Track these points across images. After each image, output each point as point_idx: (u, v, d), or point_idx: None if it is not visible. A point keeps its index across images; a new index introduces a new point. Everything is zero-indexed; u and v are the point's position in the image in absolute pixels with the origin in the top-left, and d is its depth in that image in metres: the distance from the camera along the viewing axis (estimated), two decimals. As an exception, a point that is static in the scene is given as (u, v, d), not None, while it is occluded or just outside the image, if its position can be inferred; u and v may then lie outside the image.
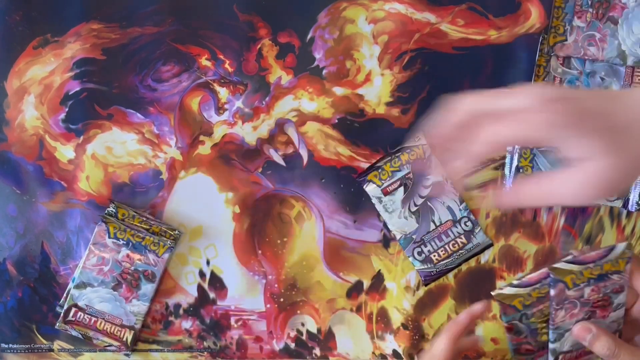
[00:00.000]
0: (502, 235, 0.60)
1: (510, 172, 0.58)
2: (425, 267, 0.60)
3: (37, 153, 0.60)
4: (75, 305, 0.60)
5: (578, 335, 0.51)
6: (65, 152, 0.60)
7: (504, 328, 0.51)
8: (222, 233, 0.61)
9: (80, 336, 0.60)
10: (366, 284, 0.61)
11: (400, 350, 0.62)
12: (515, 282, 0.51)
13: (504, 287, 0.51)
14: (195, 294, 0.62)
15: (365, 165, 0.60)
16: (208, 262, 0.61)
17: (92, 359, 0.62)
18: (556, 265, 0.56)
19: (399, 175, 0.59)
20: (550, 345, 0.55)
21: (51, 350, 0.62)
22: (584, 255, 0.54)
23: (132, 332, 0.60)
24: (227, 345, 0.62)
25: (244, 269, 0.61)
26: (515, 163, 0.58)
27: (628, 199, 0.58)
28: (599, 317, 0.55)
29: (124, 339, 0.60)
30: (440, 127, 0.39)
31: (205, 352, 0.62)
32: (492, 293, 0.50)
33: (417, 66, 0.59)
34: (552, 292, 0.55)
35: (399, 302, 0.61)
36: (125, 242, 0.59)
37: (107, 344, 0.61)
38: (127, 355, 0.62)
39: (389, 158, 0.59)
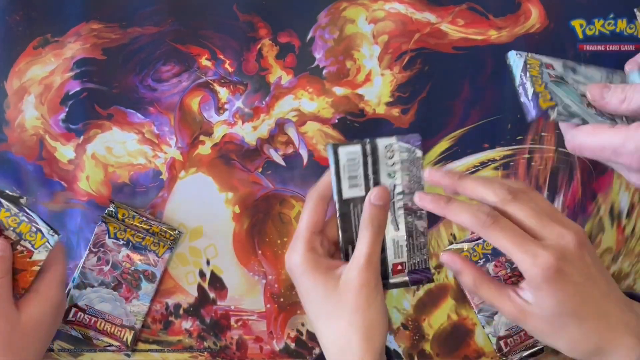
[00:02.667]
0: (502, 235, 0.60)
1: (529, 100, 0.49)
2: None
3: (37, 153, 0.60)
4: (75, 306, 0.60)
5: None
6: (65, 152, 0.60)
7: None
8: (222, 233, 0.61)
9: (80, 336, 0.60)
10: (366, 284, 0.61)
11: (400, 350, 0.62)
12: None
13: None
14: (196, 294, 0.62)
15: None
16: (208, 262, 0.61)
17: (92, 359, 0.62)
18: (448, 248, 0.59)
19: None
20: (485, 331, 0.56)
21: (51, 350, 0.62)
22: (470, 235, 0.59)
23: (133, 332, 0.60)
24: (227, 345, 0.62)
25: (244, 269, 0.61)
26: (531, 90, 0.49)
27: None
28: None
29: (124, 339, 0.60)
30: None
31: (205, 352, 0.62)
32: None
33: (417, 66, 0.59)
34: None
35: (399, 302, 0.61)
36: (125, 242, 0.59)
37: (107, 344, 0.61)
38: (127, 355, 0.62)
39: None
